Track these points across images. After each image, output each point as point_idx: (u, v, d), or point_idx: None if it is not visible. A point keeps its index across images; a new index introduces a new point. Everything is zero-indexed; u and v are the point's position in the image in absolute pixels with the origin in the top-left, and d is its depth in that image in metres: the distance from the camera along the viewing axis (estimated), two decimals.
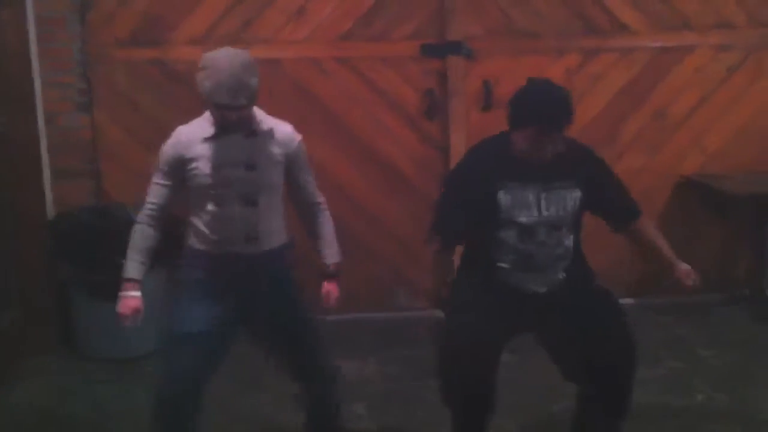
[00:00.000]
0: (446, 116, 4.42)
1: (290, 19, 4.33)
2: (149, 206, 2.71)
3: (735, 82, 4.57)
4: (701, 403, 3.50)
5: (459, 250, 2.97)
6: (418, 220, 4.43)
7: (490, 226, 2.76)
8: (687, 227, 4.64)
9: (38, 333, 4.01)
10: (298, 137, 2.78)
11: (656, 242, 2.92)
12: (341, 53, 4.37)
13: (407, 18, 4.37)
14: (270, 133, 2.70)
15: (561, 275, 2.80)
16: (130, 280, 2.69)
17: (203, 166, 2.63)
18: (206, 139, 2.64)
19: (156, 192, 2.70)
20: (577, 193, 2.77)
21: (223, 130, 2.62)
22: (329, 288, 2.88)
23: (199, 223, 2.69)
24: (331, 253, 2.87)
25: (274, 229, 2.74)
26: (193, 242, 2.72)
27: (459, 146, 4.36)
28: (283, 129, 2.75)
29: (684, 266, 2.86)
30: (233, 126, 2.61)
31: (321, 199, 2.88)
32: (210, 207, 2.65)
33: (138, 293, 2.69)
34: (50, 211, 4.19)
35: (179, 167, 2.65)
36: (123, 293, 2.69)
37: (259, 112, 2.70)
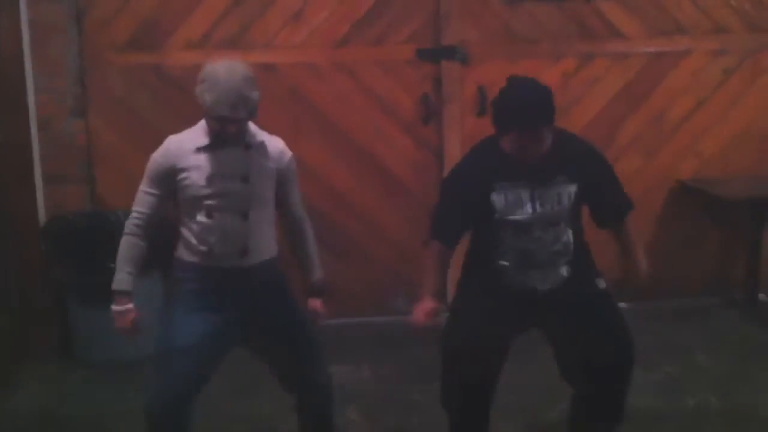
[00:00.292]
0: (441, 121, 4.42)
1: (286, 24, 4.33)
2: (136, 216, 2.69)
3: (731, 86, 4.59)
4: (697, 407, 3.50)
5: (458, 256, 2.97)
6: (414, 224, 4.45)
7: (487, 226, 2.77)
8: (683, 231, 4.65)
9: (35, 337, 4.00)
10: (290, 153, 2.78)
11: (631, 241, 2.90)
12: (337, 58, 4.37)
13: (403, 23, 4.38)
14: (263, 147, 2.70)
15: (564, 272, 2.79)
16: (121, 292, 2.67)
17: (196, 177, 2.62)
18: (199, 149, 2.63)
19: (143, 201, 2.68)
20: (572, 188, 2.76)
21: (218, 142, 2.62)
22: (315, 305, 2.88)
23: (188, 234, 2.67)
24: (316, 269, 2.88)
25: (265, 241, 2.73)
26: (183, 253, 2.70)
27: (454, 151, 4.37)
28: (275, 144, 2.75)
29: (644, 268, 2.86)
30: (231, 138, 2.61)
31: (304, 215, 2.87)
32: (201, 218, 2.64)
33: (132, 305, 2.68)
34: (42, 216, 4.18)
35: (169, 177, 2.64)
36: (117, 308, 2.67)
37: (252, 126, 2.69)
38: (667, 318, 4.43)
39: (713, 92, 4.58)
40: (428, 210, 4.35)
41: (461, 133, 4.40)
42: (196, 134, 2.66)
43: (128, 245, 2.69)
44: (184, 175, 2.62)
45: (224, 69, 2.55)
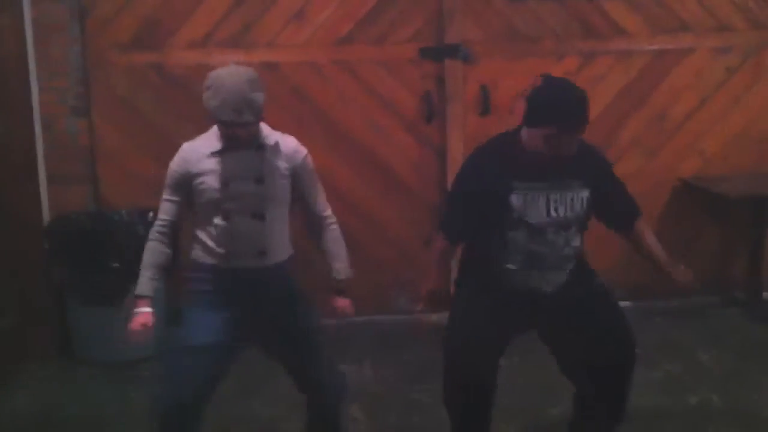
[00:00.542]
0: (444, 120, 4.42)
1: (289, 23, 4.33)
2: (160, 223, 2.74)
3: (733, 84, 4.58)
4: (698, 406, 3.50)
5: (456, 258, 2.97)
6: (416, 223, 4.46)
7: (499, 226, 2.75)
8: (685, 230, 4.65)
9: (35, 337, 4.01)
10: (304, 151, 2.80)
11: (653, 246, 2.91)
12: (340, 56, 4.37)
13: (406, 21, 4.37)
14: (276, 147, 2.72)
15: (567, 274, 2.80)
16: (142, 297, 2.70)
17: (211, 181, 2.65)
18: (213, 154, 2.66)
19: (165, 209, 2.74)
20: (585, 193, 2.76)
21: (230, 145, 2.64)
22: (342, 305, 2.89)
23: (205, 236, 2.70)
24: (342, 269, 2.87)
25: (282, 242, 2.75)
26: (199, 256, 2.73)
27: (457, 150, 4.38)
28: (288, 143, 2.77)
29: (680, 268, 2.85)
30: (242, 141, 2.63)
31: (329, 212, 2.87)
32: (217, 221, 2.67)
33: (150, 309, 2.70)
34: (46, 215, 4.19)
35: (186, 183, 2.68)
36: (136, 310, 2.70)
37: (264, 127, 2.72)
38: (669, 316, 4.43)
39: (716, 90, 4.58)
40: (430, 208, 4.40)
41: (464, 131, 4.40)
42: (209, 139, 2.69)
43: (151, 251, 2.73)
44: (199, 180, 2.66)
45: (228, 74, 2.57)
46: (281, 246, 2.75)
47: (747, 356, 3.97)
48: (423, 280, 2.91)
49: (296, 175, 2.76)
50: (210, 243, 2.69)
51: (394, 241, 4.54)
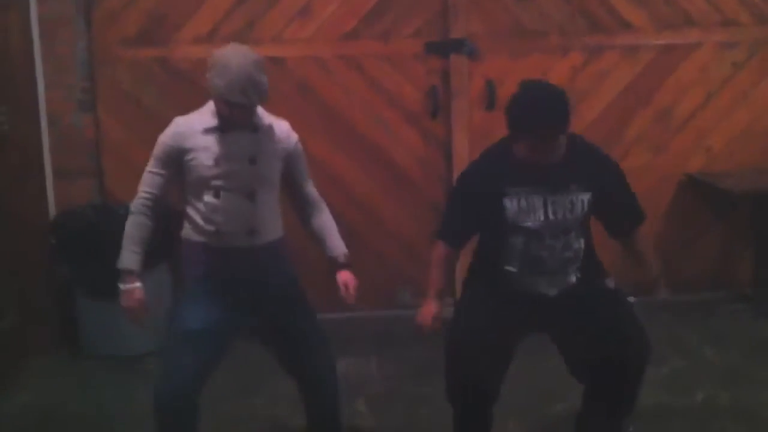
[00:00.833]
0: (449, 115, 4.42)
1: (294, 18, 4.33)
2: (143, 195, 2.70)
3: (740, 80, 4.56)
4: (704, 402, 3.49)
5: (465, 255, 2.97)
6: (421, 218, 4.45)
7: (497, 232, 2.76)
8: (691, 226, 4.64)
9: (39, 333, 4.02)
10: (296, 136, 2.81)
11: (645, 252, 2.91)
12: (345, 52, 4.37)
13: (411, 16, 4.37)
14: (270, 129, 2.73)
15: (573, 277, 2.80)
16: (127, 271, 2.68)
17: (204, 158, 2.64)
18: (207, 131, 2.65)
19: (150, 181, 2.70)
20: (586, 196, 2.76)
21: (226, 124, 2.64)
22: (346, 278, 2.84)
23: (194, 213, 2.69)
24: (337, 245, 2.87)
25: (272, 222, 2.75)
26: (190, 234, 2.72)
27: (462, 145, 4.37)
28: (281, 126, 2.79)
29: (661, 284, 2.89)
30: (241, 122, 2.63)
31: (318, 195, 2.90)
32: (208, 198, 2.66)
33: (139, 284, 2.68)
34: (52, 210, 4.21)
35: (177, 157, 2.66)
36: (123, 286, 2.67)
37: (258, 108, 2.71)
38: (675, 312, 4.40)
39: (722, 86, 4.56)
40: (435, 204, 4.40)
41: (469, 127, 4.40)
42: (204, 115, 2.69)
43: (135, 224, 2.69)
44: (191, 155, 2.64)
45: (234, 54, 2.57)
46: (272, 226, 2.75)
47: (753, 352, 3.96)
48: (427, 293, 2.88)
49: (289, 159, 2.77)
50: (199, 220, 2.68)
51: (398, 236, 4.54)
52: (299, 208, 2.89)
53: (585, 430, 2.95)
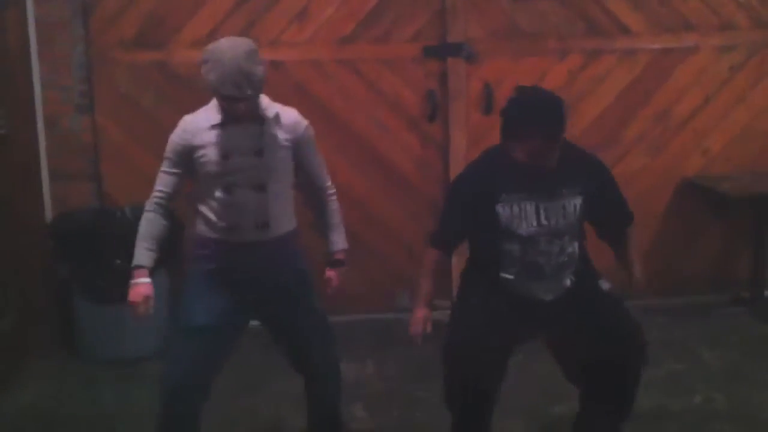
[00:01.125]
0: (447, 118, 4.42)
1: (292, 21, 4.33)
2: (157, 194, 2.73)
3: (737, 83, 4.57)
4: (701, 405, 3.49)
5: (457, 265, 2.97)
6: (419, 221, 4.45)
7: (492, 238, 2.77)
8: (688, 228, 4.64)
9: (38, 335, 4.02)
10: (305, 122, 2.80)
11: (629, 249, 2.92)
12: (343, 55, 4.37)
13: (409, 20, 4.37)
14: (276, 119, 2.72)
15: (568, 282, 2.80)
16: (139, 267, 2.69)
17: (212, 154, 2.65)
18: (213, 126, 2.66)
19: (164, 180, 2.73)
20: (578, 200, 2.77)
21: (230, 118, 2.64)
22: (330, 275, 2.89)
23: (207, 210, 2.70)
24: (337, 240, 2.89)
25: (284, 215, 2.75)
26: (203, 230, 2.74)
27: (459, 148, 4.38)
28: (289, 114, 2.77)
29: (638, 275, 2.87)
30: (241, 115, 2.63)
31: (330, 184, 2.89)
32: (219, 194, 2.67)
33: (148, 280, 2.69)
34: (49, 213, 4.20)
35: (187, 155, 2.68)
36: (133, 281, 2.69)
37: (264, 99, 2.71)
38: (672, 315, 4.42)
39: (720, 89, 4.56)
40: (433, 206, 4.40)
41: (467, 130, 4.40)
42: (210, 112, 2.69)
43: (148, 222, 2.72)
44: (200, 152, 2.66)
45: (227, 47, 2.56)
46: (284, 218, 2.75)
47: (750, 355, 3.96)
48: (416, 299, 2.88)
49: (297, 147, 2.76)
50: (212, 216, 2.69)
51: (396, 238, 4.54)
52: (308, 196, 2.89)
53: None
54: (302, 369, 2.91)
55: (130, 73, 4.27)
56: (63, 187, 4.24)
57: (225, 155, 2.64)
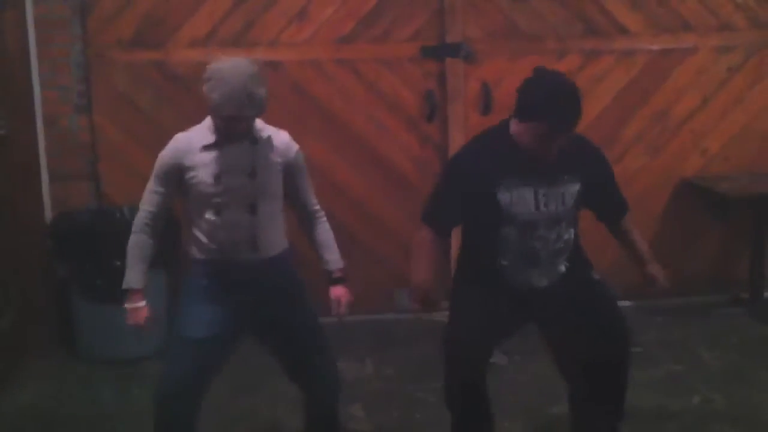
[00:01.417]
0: (446, 118, 4.42)
1: (291, 21, 4.33)
2: (144, 214, 2.71)
3: (735, 83, 4.58)
4: (700, 405, 3.49)
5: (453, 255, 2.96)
6: (417, 221, 4.42)
7: (490, 223, 2.73)
8: (687, 229, 4.65)
9: (38, 334, 4.02)
10: (296, 146, 2.79)
11: (638, 242, 2.92)
12: (342, 55, 4.37)
13: (407, 20, 4.37)
14: (269, 141, 2.71)
15: (563, 267, 2.80)
16: (134, 290, 2.70)
17: (204, 175, 2.63)
18: (206, 147, 2.64)
19: (151, 200, 2.71)
20: (576, 187, 2.75)
21: (224, 138, 2.63)
22: (338, 293, 2.86)
23: (198, 232, 2.69)
24: (334, 260, 2.87)
25: (275, 236, 2.74)
26: (195, 252, 2.73)
27: (458, 148, 4.37)
28: (281, 137, 2.76)
29: (655, 266, 2.87)
30: (238, 135, 2.62)
31: (318, 206, 2.88)
32: (209, 215, 2.66)
33: (144, 303, 2.71)
34: (48, 213, 4.20)
35: (177, 175, 2.66)
36: (130, 305, 2.70)
37: (257, 121, 2.70)
38: (671, 315, 4.42)
39: (718, 90, 4.57)
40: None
41: (465, 130, 4.40)
42: (203, 132, 2.67)
43: (137, 243, 2.71)
44: (192, 173, 2.64)
45: (230, 67, 2.55)
46: (274, 239, 2.74)
47: (749, 355, 3.96)
48: (411, 276, 2.82)
49: (289, 170, 2.75)
50: (203, 239, 2.68)
51: (395, 239, 4.53)
52: (299, 218, 2.88)
53: None
54: (298, 378, 2.89)
55: (128, 72, 4.27)
56: (62, 187, 4.24)
57: (217, 176, 2.62)
